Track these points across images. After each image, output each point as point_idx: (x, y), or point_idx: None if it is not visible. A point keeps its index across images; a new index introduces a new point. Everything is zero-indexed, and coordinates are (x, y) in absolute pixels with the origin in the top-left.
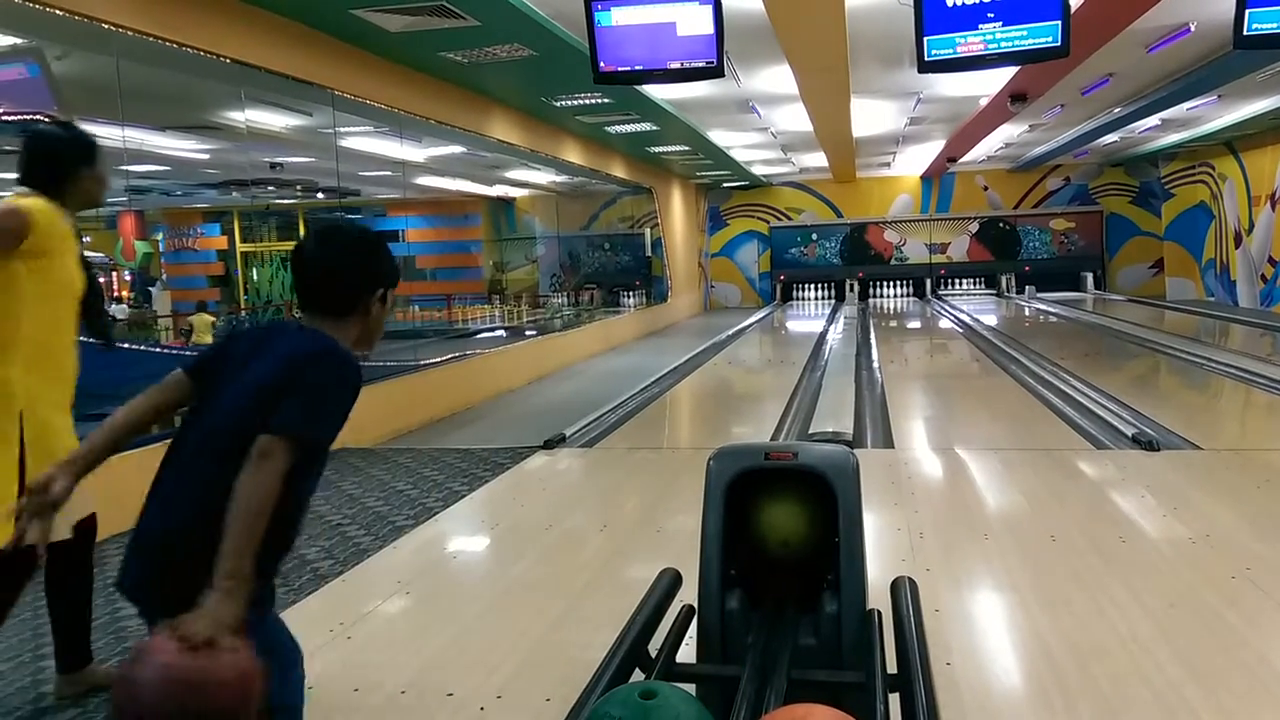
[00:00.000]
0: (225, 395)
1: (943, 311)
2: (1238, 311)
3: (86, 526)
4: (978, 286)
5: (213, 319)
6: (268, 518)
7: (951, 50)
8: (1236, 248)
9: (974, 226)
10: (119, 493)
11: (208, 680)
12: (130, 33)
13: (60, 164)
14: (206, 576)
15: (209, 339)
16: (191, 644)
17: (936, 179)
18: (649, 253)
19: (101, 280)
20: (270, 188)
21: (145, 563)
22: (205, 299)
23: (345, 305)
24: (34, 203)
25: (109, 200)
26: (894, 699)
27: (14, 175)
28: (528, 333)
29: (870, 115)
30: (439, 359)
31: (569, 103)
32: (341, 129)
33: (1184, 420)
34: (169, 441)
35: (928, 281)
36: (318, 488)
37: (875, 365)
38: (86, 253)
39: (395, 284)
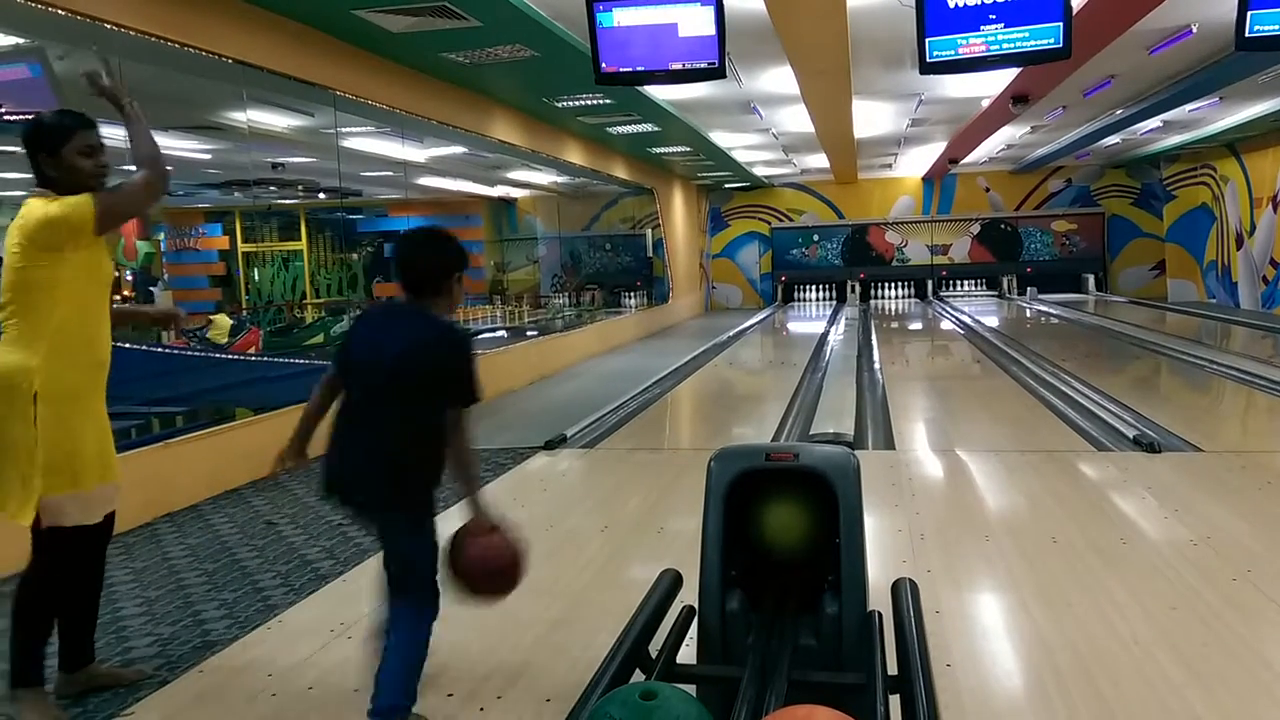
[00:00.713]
0: (368, 366)
1: (944, 313)
2: (1239, 313)
3: (105, 523)
4: (979, 288)
5: (231, 322)
6: (478, 457)
7: (953, 51)
8: (1238, 249)
9: (975, 228)
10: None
11: (507, 545)
12: (133, 33)
13: (30, 159)
14: (395, 482)
15: (224, 340)
16: (488, 530)
17: (938, 180)
18: (650, 253)
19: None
20: (272, 188)
21: (354, 477)
22: (208, 299)
23: (435, 287)
24: (66, 201)
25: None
26: (894, 700)
27: (15, 175)
28: (529, 333)
29: (872, 116)
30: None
31: (570, 103)
32: (343, 129)
33: (1185, 422)
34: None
35: (929, 283)
36: None
37: (876, 366)
38: None
39: (466, 267)
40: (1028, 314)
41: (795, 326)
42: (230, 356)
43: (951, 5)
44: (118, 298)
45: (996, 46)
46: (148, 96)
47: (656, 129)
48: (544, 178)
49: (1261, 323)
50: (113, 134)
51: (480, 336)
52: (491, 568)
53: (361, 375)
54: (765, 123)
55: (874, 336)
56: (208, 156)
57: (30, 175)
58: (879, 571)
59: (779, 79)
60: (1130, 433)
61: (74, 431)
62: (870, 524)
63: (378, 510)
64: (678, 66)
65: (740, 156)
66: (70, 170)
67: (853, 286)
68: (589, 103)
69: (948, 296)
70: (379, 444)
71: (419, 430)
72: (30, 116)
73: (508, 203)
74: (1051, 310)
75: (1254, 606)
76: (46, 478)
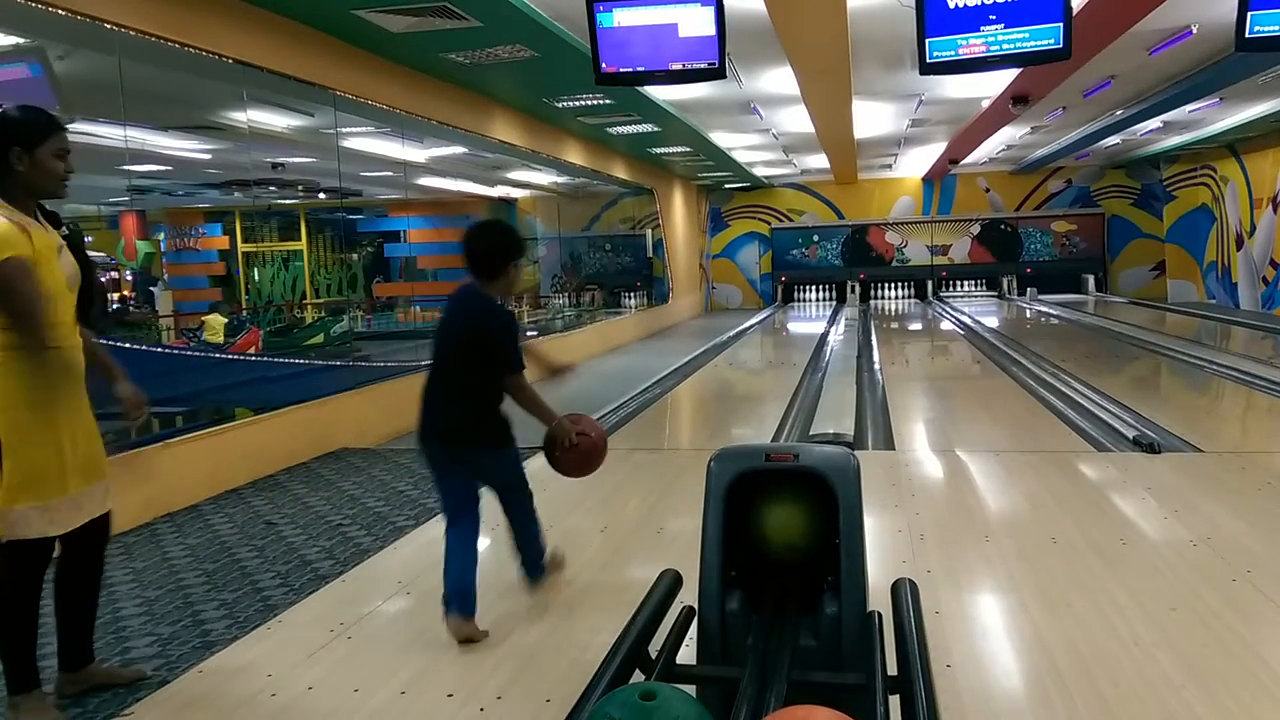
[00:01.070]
0: (442, 333)
1: (944, 313)
2: (1239, 314)
3: (100, 524)
4: (979, 288)
5: (226, 320)
6: (540, 399)
7: (953, 52)
8: (1238, 250)
9: (975, 228)
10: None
11: (597, 430)
12: (133, 32)
13: (22, 142)
14: (479, 428)
15: (220, 339)
16: (578, 426)
17: (938, 181)
18: (650, 254)
19: (104, 278)
20: (272, 188)
21: (448, 428)
22: (208, 299)
23: (493, 272)
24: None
25: (111, 200)
26: (894, 701)
27: None
28: (529, 333)
29: (872, 117)
30: None
31: (570, 103)
32: (343, 129)
33: (1185, 423)
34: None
35: (929, 283)
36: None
37: (876, 367)
38: (90, 252)
39: (523, 255)
40: (1028, 314)
41: (795, 327)
42: (230, 357)
43: (951, 6)
44: (116, 297)
45: (996, 47)
46: (148, 97)
47: (656, 129)
48: (544, 178)
49: (1261, 323)
50: (109, 135)
51: None
52: (580, 461)
53: (441, 346)
54: (765, 123)
55: (874, 337)
56: (208, 156)
57: None
58: (879, 572)
59: (779, 79)
60: (1130, 433)
61: (31, 442)
62: (870, 524)
63: (472, 450)
64: (678, 67)
65: (740, 157)
66: (41, 170)
67: (853, 287)
68: (589, 103)
69: (948, 297)
70: (459, 400)
71: (483, 388)
72: (14, 109)
73: (508, 203)
74: (1051, 311)
75: (1254, 607)
76: (8, 489)
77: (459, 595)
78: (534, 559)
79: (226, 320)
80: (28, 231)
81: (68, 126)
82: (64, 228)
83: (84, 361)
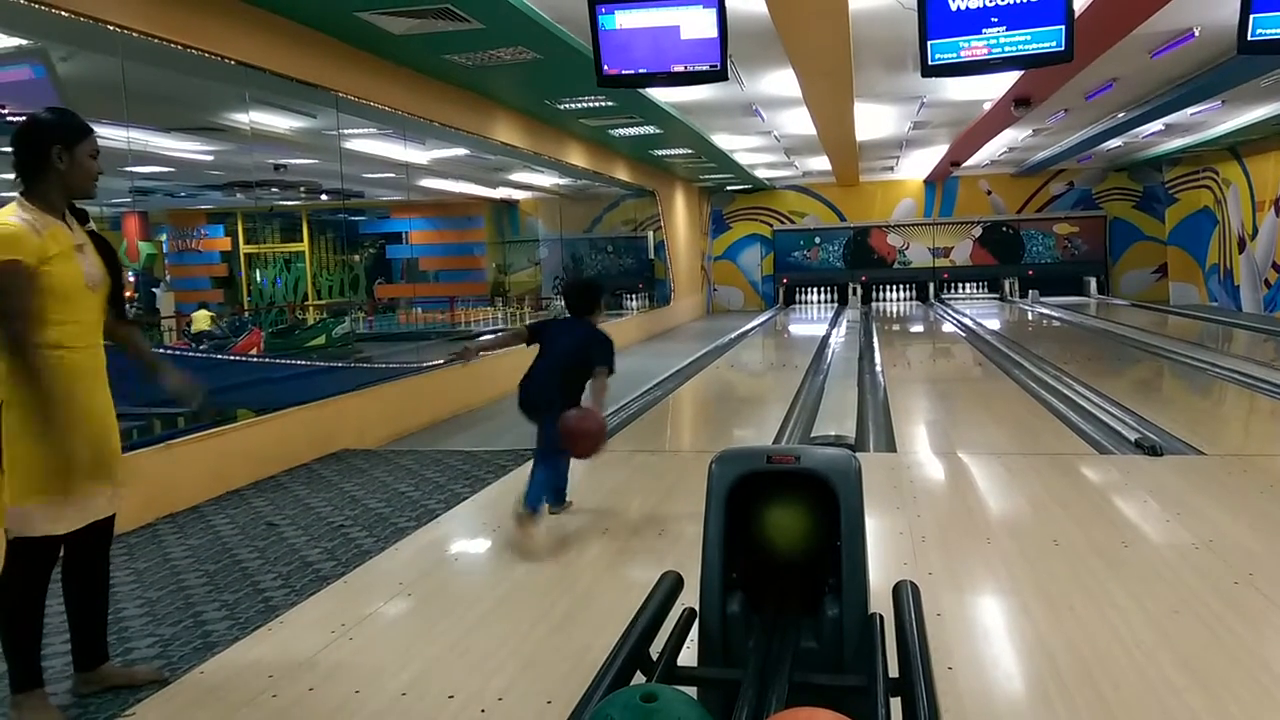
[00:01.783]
0: (558, 346)
1: (946, 315)
2: (1241, 316)
3: (104, 526)
4: (981, 290)
5: (211, 315)
6: (605, 393)
7: (955, 54)
8: (1240, 253)
9: (977, 231)
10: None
11: (598, 420)
12: (135, 34)
13: (34, 149)
14: (566, 403)
15: (208, 326)
16: (591, 411)
17: (940, 183)
18: (652, 255)
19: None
20: (274, 189)
21: (540, 403)
22: (208, 299)
23: (589, 310)
24: (8, 227)
25: (114, 201)
26: (895, 703)
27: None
28: None
29: (874, 119)
30: (441, 361)
31: (572, 105)
32: (345, 131)
33: (1187, 425)
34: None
35: (931, 285)
36: None
37: (878, 369)
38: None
39: (605, 296)
40: (1029, 317)
41: (796, 329)
42: (231, 358)
43: (953, 8)
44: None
45: (998, 49)
46: (151, 98)
47: (658, 131)
48: (546, 180)
49: (1263, 326)
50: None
51: (482, 338)
52: (580, 432)
53: (554, 349)
54: (767, 125)
55: (875, 339)
56: (210, 158)
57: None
58: (880, 574)
59: (781, 81)
60: (1132, 435)
61: (39, 441)
62: (872, 526)
63: (555, 411)
64: (680, 69)
65: (742, 159)
66: (79, 169)
67: (854, 289)
68: (591, 105)
69: (949, 299)
70: (559, 383)
71: (577, 378)
72: (47, 111)
73: (510, 205)
74: (1053, 313)
75: (1256, 610)
76: (13, 487)
77: (555, 491)
78: (558, 495)
79: (211, 314)
80: (42, 233)
81: None
82: (91, 231)
83: (105, 362)
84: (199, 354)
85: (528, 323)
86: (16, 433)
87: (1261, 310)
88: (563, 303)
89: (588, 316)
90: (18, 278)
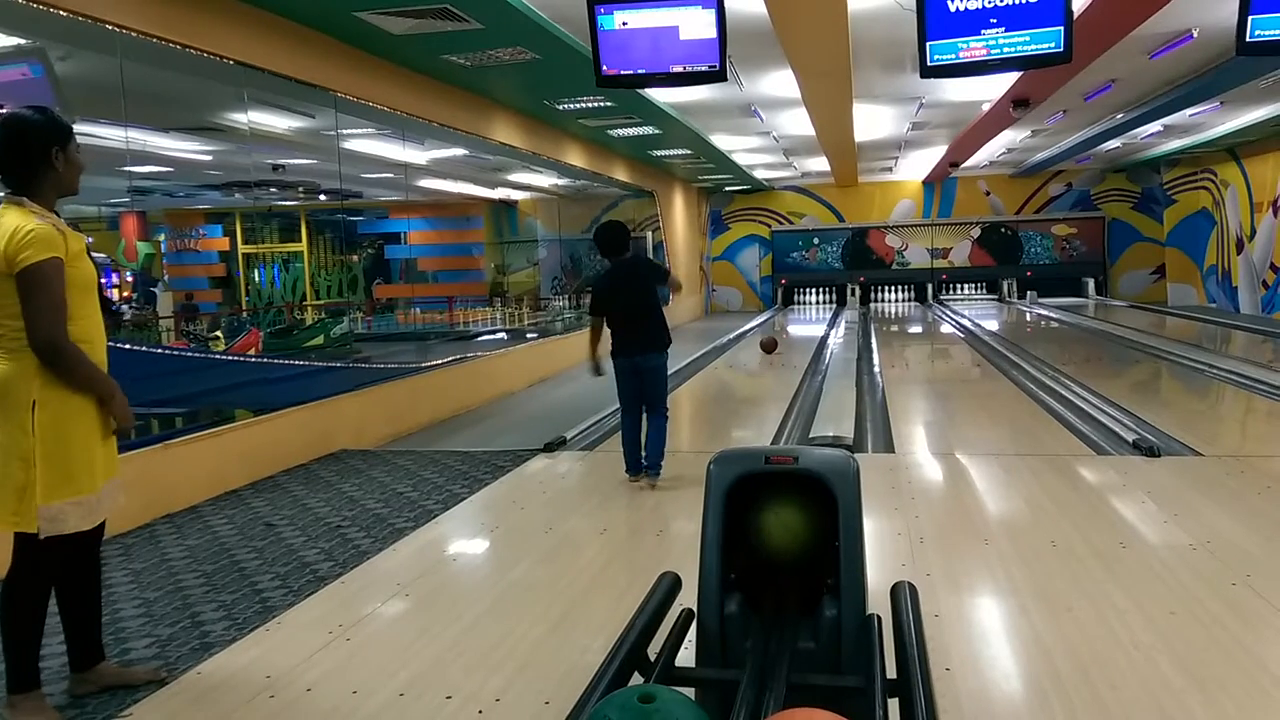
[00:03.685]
0: (622, 299)
1: (944, 316)
2: (1239, 318)
3: (101, 522)
4: (979, 292)
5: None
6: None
7: (954, 55)
8: (1238, 254)
9: (976, 231)
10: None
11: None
12: (134, 33)
13: (35, 152)
14: (655, 340)
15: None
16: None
17: (939, 184)
18: (650, 256)
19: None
20: (272, 189)
21: (639, 344)
22: (207, 300)
23: (622, 249)
24: (39, 227)
25: (112, 201)
26: (893, 704)
27: None
28: (529, 335)
29: (872, 120)
30: (440, 361)
31: (571, 106)
32: (344, 131)
33: (1185, 426)
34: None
35: (929, 286)
36: None
37: (876, 370)
38: (92, 254)
39: (631, 236)
40: (1028, 318)
41: (795, 329)
42: (230, 358)
43: (952, 9)
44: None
45: (997, 50)
46: (149, 98)
47: (657, 132)
48: (545, 180)
49: (1261, 327)
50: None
51: (480, 338)
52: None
53: (622, 297)
54: (766, 126)
55: (874, 340)
56: (208, 158)
57: None
58: (878, 575)
59: (780, 82)
60: (1130, 437)
61: (73, 437)
62: (870, 527)
63: (651, 354)
64: (679, 69)
65: (741, 159)
66: (74, 168)
67: (853, 290)
68: (590, 105)
69: (948, 300)
70: (645, 322)
71: (655, 309)
72: (30, 110)
73: (508, 205)
74: (1051, 314)
75: (1253, 611)
76: (46, 486)
77: (633, 462)
78: (655, 460)
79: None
80: (64, 234)
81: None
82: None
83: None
84: (198, 354)
85: (589, 310)
86: (49, 431)
87: (1259, 311)
88: (598, 254)
89: (624, 254)
90: (62, 275)
